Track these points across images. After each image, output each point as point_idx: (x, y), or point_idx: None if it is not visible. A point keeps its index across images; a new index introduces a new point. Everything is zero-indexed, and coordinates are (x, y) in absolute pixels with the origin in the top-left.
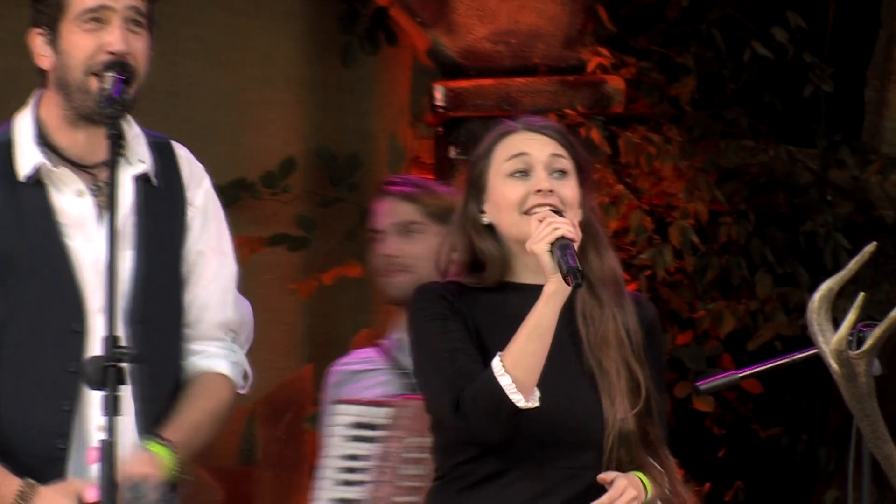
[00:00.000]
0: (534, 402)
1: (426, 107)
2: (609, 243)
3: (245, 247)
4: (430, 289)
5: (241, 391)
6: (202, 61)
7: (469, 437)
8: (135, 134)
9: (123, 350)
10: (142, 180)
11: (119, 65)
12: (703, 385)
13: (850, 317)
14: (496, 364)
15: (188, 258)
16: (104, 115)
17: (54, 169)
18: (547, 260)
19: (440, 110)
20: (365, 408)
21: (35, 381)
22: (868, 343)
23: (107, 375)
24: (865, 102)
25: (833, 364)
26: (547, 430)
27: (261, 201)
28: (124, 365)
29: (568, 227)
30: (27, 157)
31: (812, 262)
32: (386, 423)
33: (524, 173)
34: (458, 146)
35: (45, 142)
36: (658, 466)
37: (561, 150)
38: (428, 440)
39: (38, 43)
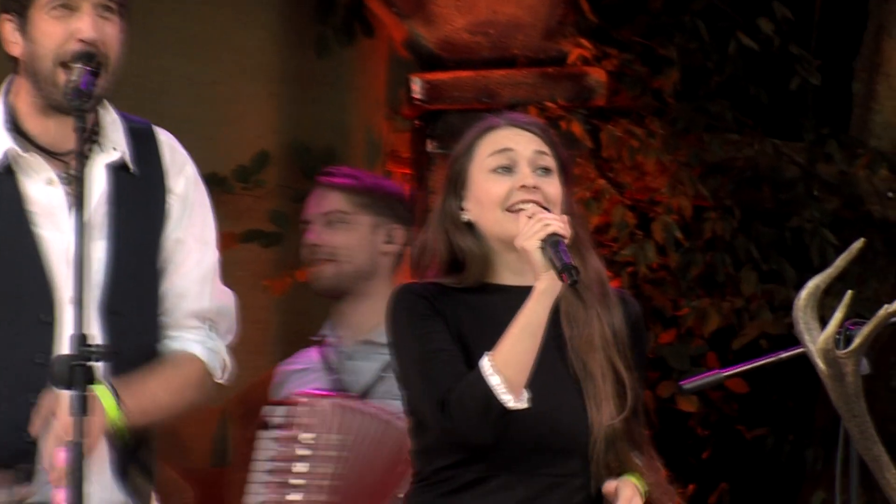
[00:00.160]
0: (523, 403)
1: (403, 99)
2: (592, 244)
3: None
4: (410, 289)
5: (219, 380)
6: (173, 53)
7: (455, 439)
8: (111, 120)
9: (92, 348)
10: (116, 168)
11: (88, 55)
12: (687, 385)
13: (838, 315)
14: (485, 364)
15: (166, 246)
16: (72, 106)
17: (24, 154)
18: (538, 257)
19: (417, 103)
20: (280, 408)
21: (2, 372)
22: (856, 342)
23: (74, 374)
24: (853, 95)
25: (820, 363)
26: (531, 436)
27: (233, 196)
28: (93, 364)
29: (559, 223)
30: None
31: (798, 259)
32: (283, 422)
33: (508, 169)
34: (436, 140)
35: (15, 128)
36: (645, 465)
37: (545, 148)
38: (332, 438)
39: (8, 30)
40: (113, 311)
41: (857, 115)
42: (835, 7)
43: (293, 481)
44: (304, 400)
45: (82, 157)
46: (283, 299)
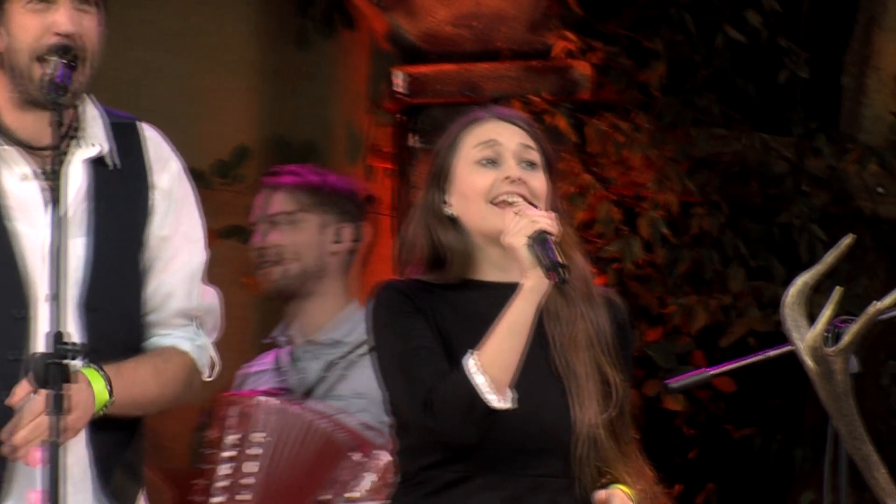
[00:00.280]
0: (507, 403)
1: (385, 93)
2: (577, 242)
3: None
4: (391, 287)
5: (206, 378)
6: (152, 46)
7: (438, 438)
8: (93, 115)
9: (69, 346)
10: (96, 164)
11: (64, 48)
12: (674, 383)
13: (827, 312)
14: (469, 362)
15: (151, 243)
16: (48, 100)
17: (1, 147)
18: (525, 254)
19: (400, 96)
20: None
21: None
22: (845, 340)
23: (49, 373)
24: (843, 89)
25: (809, 361)
26: (515, 436)
27: (213, 191)
28: (69, 362)
29: (547, 219)
30: None
31: (787, 255)
32: (211, 424)
33: (493, 162)
34: (419, 134)
35: None
36: (633, 470)
37: (531, 142)
38: (255, 438)
39: None
40: (92, 307)
41: (846, 108)
42: None
43: (218, 483)
44: (231, 401)
45: (59, 151)
46: (262, 296)
